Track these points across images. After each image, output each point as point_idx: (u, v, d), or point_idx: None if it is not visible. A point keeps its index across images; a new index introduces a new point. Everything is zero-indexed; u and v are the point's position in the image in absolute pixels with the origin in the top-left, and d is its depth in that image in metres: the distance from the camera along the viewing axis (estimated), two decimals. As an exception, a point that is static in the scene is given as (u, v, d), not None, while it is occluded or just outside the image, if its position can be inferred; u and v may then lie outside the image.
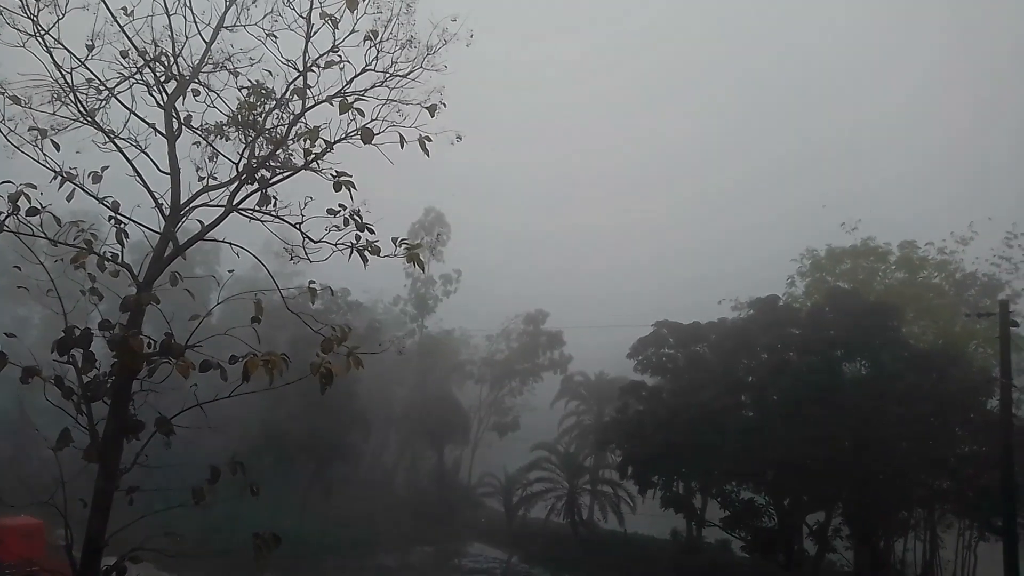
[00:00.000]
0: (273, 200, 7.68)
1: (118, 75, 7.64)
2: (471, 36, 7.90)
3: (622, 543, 43.98)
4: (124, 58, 7.57)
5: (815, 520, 32.82)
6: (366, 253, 7.44)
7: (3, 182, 6.51)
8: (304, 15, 7.56)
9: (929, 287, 39.57)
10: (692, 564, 37.72)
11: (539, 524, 47.64)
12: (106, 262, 7.15)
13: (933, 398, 29.41)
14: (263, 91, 7.88)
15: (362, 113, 7.45)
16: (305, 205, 7.46)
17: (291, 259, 7.98)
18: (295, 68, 7.71)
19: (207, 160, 7.94)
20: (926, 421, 29.65)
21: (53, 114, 7.26)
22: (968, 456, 31.52)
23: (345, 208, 7.38)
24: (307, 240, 7.60)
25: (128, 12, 7.35)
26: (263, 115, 7.83)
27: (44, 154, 7.06)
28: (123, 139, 7.52)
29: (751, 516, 32.47)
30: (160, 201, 7.43)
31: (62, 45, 7.12)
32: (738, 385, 34.98)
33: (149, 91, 7.70)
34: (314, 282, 7.65)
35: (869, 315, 32.43)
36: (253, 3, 7.83)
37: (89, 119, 7.38)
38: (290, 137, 7.71)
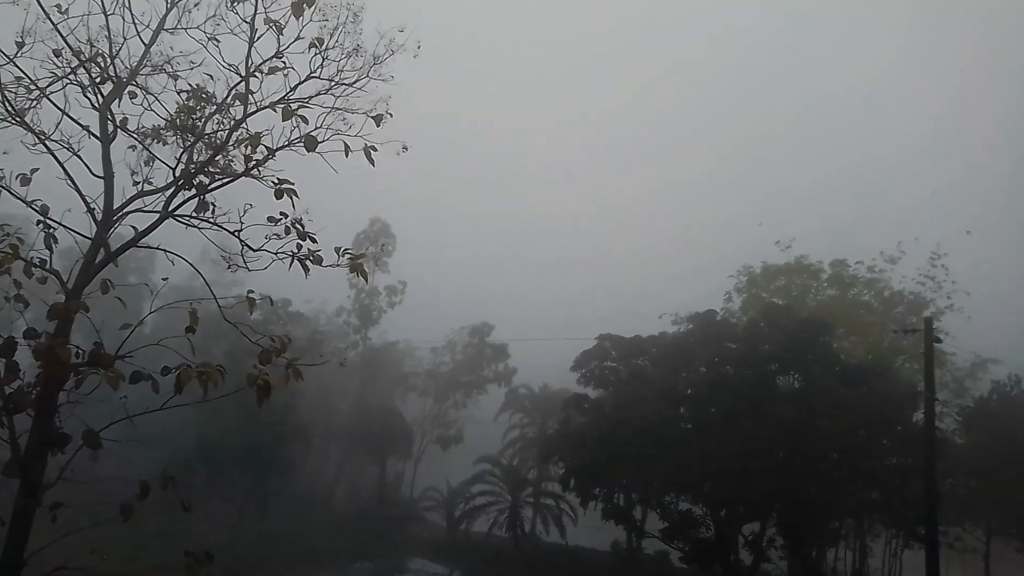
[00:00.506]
0: (211, 207, 7.52)
1: (50, 74, 7.39)
2: (418, 47, 7.93)
3: (564, 556, 44.13)
4: (57, 57, 7.33)
5: (751, 530, 33.54)
6: (308, 262, 7.33)
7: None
8: (248, 20, 7.46)
9: (859, 304, 41.20)
10: (631, 575, 38.07)
11: (481, 538, 47.43)
12: (33, 268, 6.87)
13: (862, 411, 30.46)
14: (203, 95, 7.72)
15: (306, 120, 7.38)
16: (245, 212, 7.33)
17: (229, 268, 7.80)
18: (237, 73, 7.59)
19: (143, 164, 7.73)
20: (855, 434, 30.70)
21: (-23, 113, 6.98)
22: (894, 467, 32.73)
23: (286, 216, 7.27)
24: (246, 248, 7.44)
25: (63, 10, 7.13)
26: (203, 120, 7.67)
27: (-33, 154, 6.78)
28: (54, 141, 7.27)
29: (689, 527, 32.99)
30: (92, 206, 7.19)
31: (-11, 41, 6.87)
32: (678, 398, 35.59)
33: (83, 92, 7.46)
34: (253, 291, 7.49)
35: (802, 331, 33.51)
36: (195, 6, 7.69)
37: (18, 119, 7.10)
38: (230, 143, 7.58)
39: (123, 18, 7.47)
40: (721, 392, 32.89)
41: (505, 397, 59.18)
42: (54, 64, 7.37)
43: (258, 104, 7.58)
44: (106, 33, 7.47)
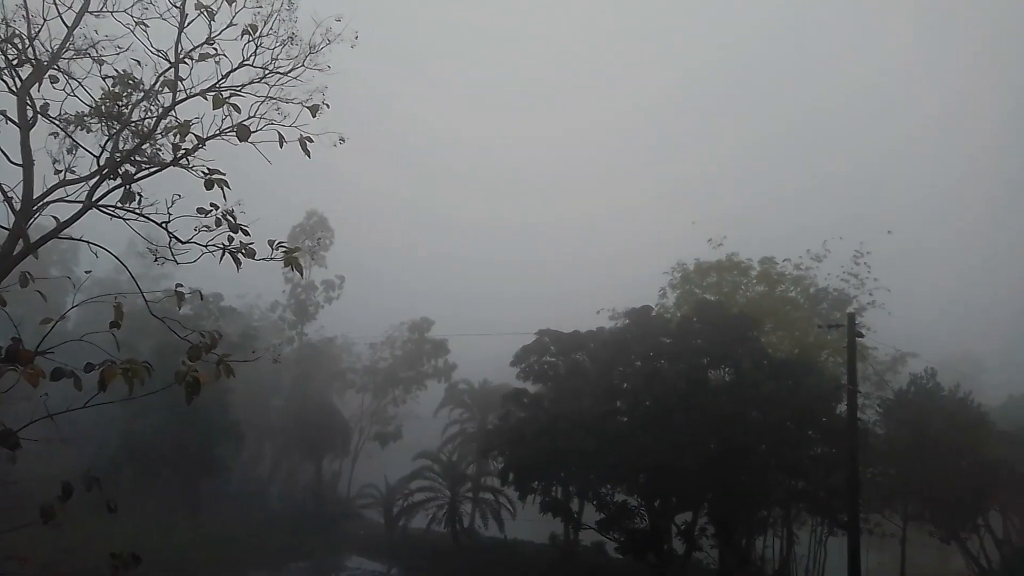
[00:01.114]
0: (138, 197, 7.27)
1: (-39, 55, 7.01)
2: (356, 37, 7.83)
3: (502, 549, 44.35)
4: (-32, 37, 6.96)
5: (683, 520, 34.39)
6: (240, 256, 7.14)
7: None
8: (178, 5, 7.24)
9: (786, 300, 42.62)
10: (568, 567, 38.58)
11: (420, 534, 47.25)
12: (-56, 259, 6.52)
13: (789, 404, 31.58)
14: (130, 81, 7.46)
15: (238, 109, 7.20)
16: (173, 203, 7.10)
17: (156, 260, 7.54)
18: (166, 59, 7.36)
19: (65, 152, 7.42)
20: (783, 426, 31.82)
21: None
22: (820, 458, 34.03)
23: (217, 208, 7.06)
24: (175, 241, 7.21)
25: (-27, -12, 6.78)
26: (129, 107, 7.41)
27: None
28: (-34, 126, 6.90)
29: (624, 518, 33.59)
30: (10, 195, 6.86)
31: None
32: (614, 392, 36.17)
33: (0, 75, 7.10)
34: (182, 285, 7.27)
35: (732, 326, 34.51)
36: (122, -12, 7.41)
37: (-75, 102, 6.73)
38: (158, 131, 7.34)
39: (43, -1, 7.15)
40: (656, 386, 33.59)
41: (445, 393, 59.04)
42: (-34, 45, 7.00)
43: (188, 91, 7.37)
44: (24, 13, 7.13)
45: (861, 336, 27.65)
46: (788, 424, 31.88)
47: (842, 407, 30.16)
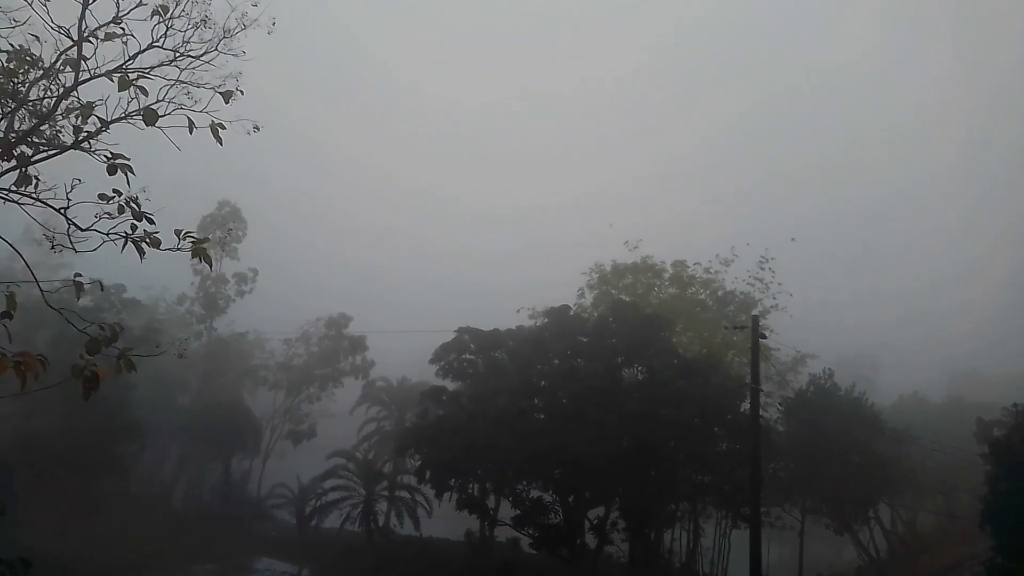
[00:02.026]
0: (34, 181, 6.89)
1: None
2: (273, 23, 7.69)
3: (417, 547, 44.12)
4: None
5: (596, 515, 35.14)
6: (143, 245, 6.84)
7: None
8: (82, -20, 6.91)
9: (696, 302, 44.24)
10: (483, 563, 38.75)
11: (333, 534, 46.43)
12: None
13: (698, 402, 32.76)
14: (28, 58, 7.06)
15: (145, 92, 6.93)
16: (73, 188, 6.77)
17: (53, 248, 7.17)
18: (69, 36, 7.01)
19: (-47, 131, 6.96)
20: (691, 423, 32.95)
21: None
22: (725, 453, 35.46)
23: (120, 194, 6.75)
24: (74, 228, 6.87)
25: None
26: (26, 85, 7.02)
27: None
28: None
29: (539, 513, 34.05)
30: None
31: None
32: (532, 389, 36.60)
33: None
34: (80, 275, 6.93)
35: (646, 326, 35.54)
36: (19, -41, 7.01)
37: None
38: (58, 111, 6.98)
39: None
40: (572, 383, 34.20)
41: (362, 390, 58.27)
42: None
43: (92, 72, 7.04)
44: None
45: (764, 337, 28.95)
46: (696, 421, 33.03)
47: (746, 405, 31.46)
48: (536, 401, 36.83)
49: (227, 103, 7.25)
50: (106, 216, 6.80)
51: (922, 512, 57.02)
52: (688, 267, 44.48)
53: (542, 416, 35.79)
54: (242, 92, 7.38)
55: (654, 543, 37.46)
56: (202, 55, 7.43)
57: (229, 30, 7.49)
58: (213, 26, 7.44)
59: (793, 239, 57.75)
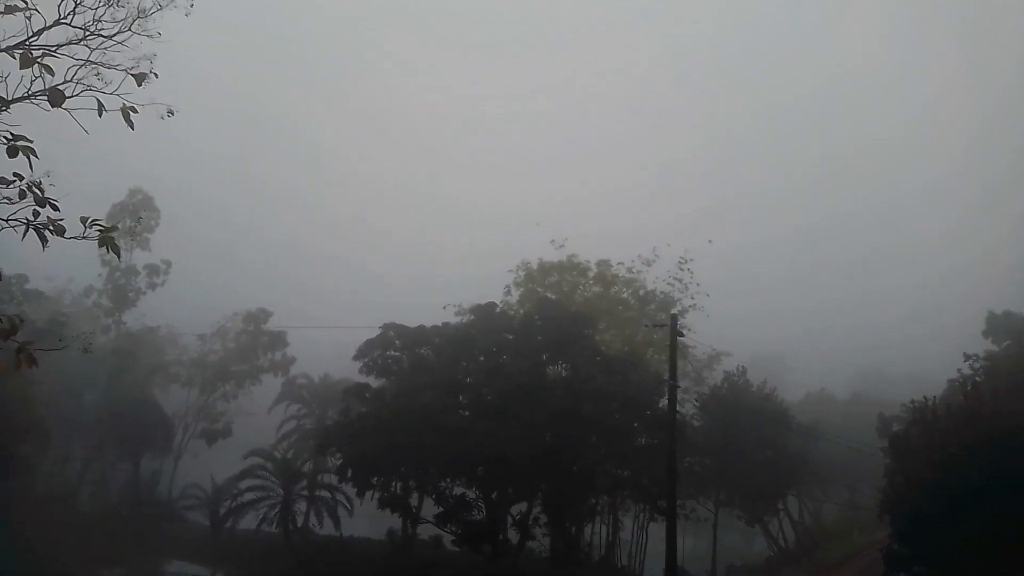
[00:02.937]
0: (-75, 161, 6.46)
1: None
2: (191, 5, 7.45)
3: (338, 547, 43.38)
4: None
5: (519, 511, 35.43)
6: (46, 232, 6.51)
7: None
8: (-20, -50, 6.52)
9: (619, 301, 45.22)
10: (405, 562, 38.48)
11: (249, 535, 45.11)
12: None
13: (619, 398, 33.46)
14: (-83, 29, 6.62)
15: (51, 71, 6.59)
16: (-34, 170, 6.38)
17: (-53, 233, 6.74)
18: (-36, 9, 6.60)
19: None
20: (612, 418, 33.62)
21: None
22: (644, 448, 36.33)
23: (22, 178, 6.41)
24: (-32, 213, 6.48)
25: None
26: (-84, 58, 6.57)
27: None
28: None
29: (462, 510, 34.08)
30: None
31: None
32: (457, 387, 36.56)
33: None
34: (-24, 263, 6.52)
35: (570, 324, 36.07)
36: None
37: None
38: (-48, 88, 6.57)
39: None
40: (497, 380, 34.37)
41: (282, 387, 56.89)
42: None
43: (-9, 47, 6.65)
44: None
45: (682, 336, 29.88)
46: (616, 416, 33.69)
47: (664, 401, 32.32)
48: (461, 398, 36.83)
49: (140, 85, 6.97)
50: (6, 201, 6.45)
51: (827, 503, 60.02)
52: (612, 266, 45.40)
53: (467, 413, 35.81)
54: (156, 75, 7.11)
55: (574, 537, 38.06)
56: (114, 35, 7.14)
57: (144, 10, 7.23)
58: (127, 5, 7.16)
59: (711, 241, 59.37)
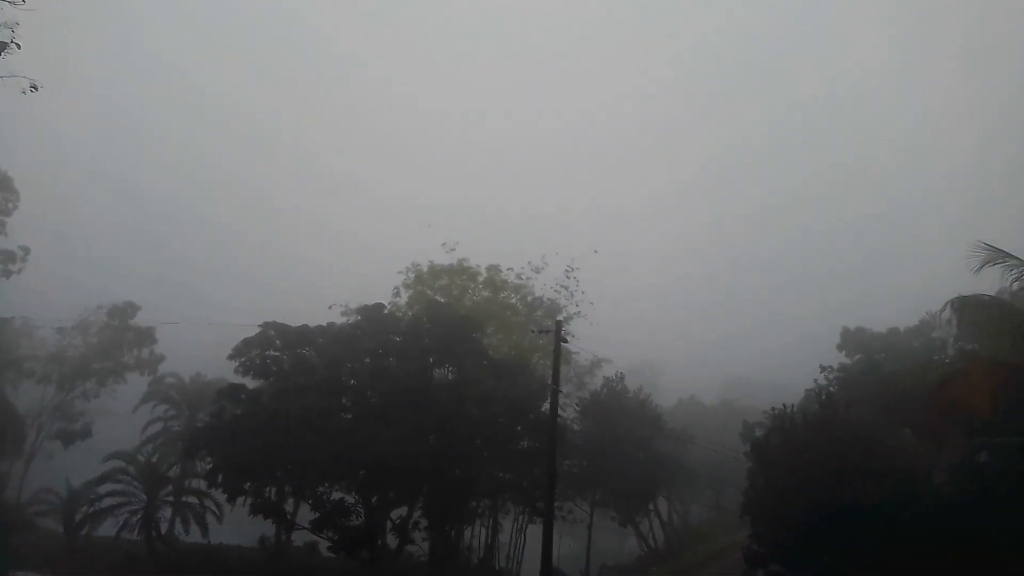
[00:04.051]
0: None
1: None
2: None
3: (204, 555, 41.42)
4: None
5: (399, 515, 35.15)
6: None
7: None
8: None
9: (507, 306, 45.90)
10: (278, 569, 37.28)
11: (108, 543, 42.25)
12: None
13: (504, 402, 33.93)
14: None
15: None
16: None
17: None
18: None
19: None
20: (497, 421, 34.03)
21: None
22: (526, 451, 37.00)
23: None
24: None
25: None
26: None
27: None
28: None
29: (340, 516, 33.36)
30: None
31: None
32: (340, 388, 35.86)
33: None
34: None
35: (458, 327, 36.24)
36: None
37: None
38: None
39: None
40: (382, 382, 34.01)
41: (148, 387, 53.65)
42: None
43: None
44: None
45: (566, 342, 30.70)
46: (501, 420, 34.13)
47: (547, 405, 33.07)
48: (344, 400, 36.14)
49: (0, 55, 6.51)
50: None
51: (694, 505, 63.21)
52: (501, 272, 46.01)
53: (349, 416, 35.19)
54: (18, 45, 6.66)
55: (454, 540, 38.16)
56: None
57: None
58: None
59: (596, 251, 61.25)
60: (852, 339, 44.84)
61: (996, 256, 19.71)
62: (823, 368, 42.40)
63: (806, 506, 23.94)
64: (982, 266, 19.76)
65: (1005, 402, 19.20)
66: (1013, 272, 19.73)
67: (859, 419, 26.79)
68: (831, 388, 37.69)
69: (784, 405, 29.42)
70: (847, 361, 43.57)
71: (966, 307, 20.78)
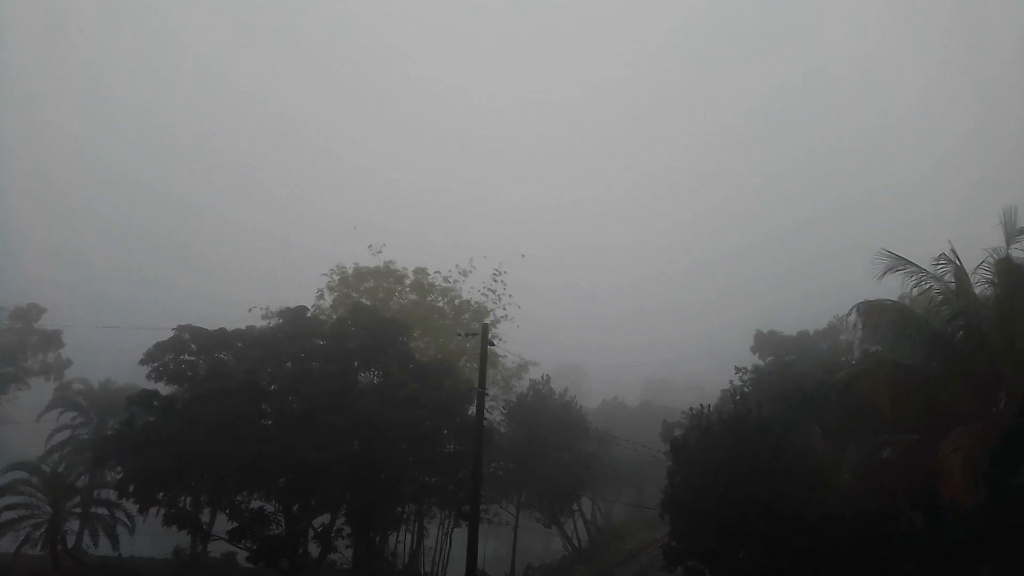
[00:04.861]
0: None
1: None
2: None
3: (114, 568, 39.70)
4: None
5: (321, 523, 34.47)
6: None
7: None
8: None
9: (435, 309, 45.77)
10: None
11: (7, 559, 39.91)
12: None
13: (430, 405, 33.76)
14: None
15: None
16: None
17: None
18: None
19: None
20: (422, 425, 33.83)
21: None
22: (452, 455, 36.94)
23: None
24: None
25: None
26: None
27: None
28: None
29: (259, 525, 32.42)
30: None
31: None
32: (260, 394, 34.86)
33: None
34: None
35: (384, 330, 35.87)
36: None
37: None
38: None
39: None
40: (304, 387, 33.27)
41: (54, 393, 51.03)
42: None
43: None
44: None
45: (493, 345, 30.85)
46: (427, 423, 33.94)
47: (474, 408, 33.13)
48: (264, 406, 35.14)
49: None
50: None
51: (617, 504, 64.54)
52: (429, 275, 45.85)
53: (269, 422, 34.29)
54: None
55: (378, 547, 37.72)
56: None
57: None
58: None
59: (524, 255, 61.77)
60: (765, 341, 46.77)
61: (898, 263, 20.99)
62: (738, 369, 44.03)
63: (720, 503, 24.80)
64: (885, 272, 21.00)
65: (905, 401, 20.38)
66: (913, 279, 21.07)
67: (771, 418, 27.91)
68: (745, 388, 39.12)
69: (701, 405, 30.36)
70: (760, 363, 45.37)
71: (870, 311, 21.99)
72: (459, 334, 38.26)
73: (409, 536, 40.90)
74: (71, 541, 42.66)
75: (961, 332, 20.55)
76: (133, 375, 41.77)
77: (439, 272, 45.90)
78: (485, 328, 30.27)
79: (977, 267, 20.78)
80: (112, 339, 47.88)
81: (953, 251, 20.90)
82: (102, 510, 42.76)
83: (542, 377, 48.67)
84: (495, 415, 43.10)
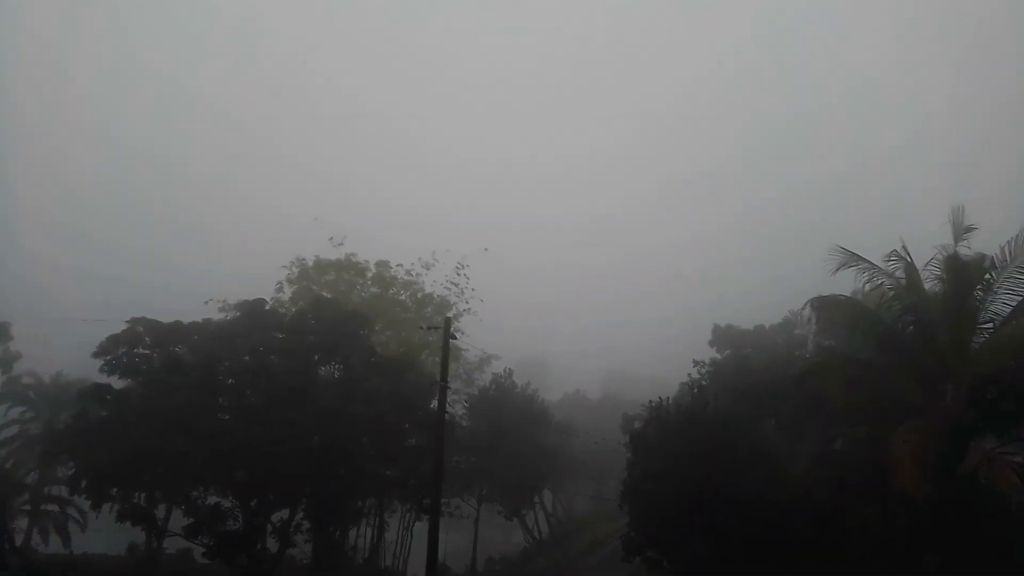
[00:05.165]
0: None
1: None
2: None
3: (66, 566, 38.73)
4: None
5: (280, 518, 34.07)
6: None
7: None
8: None
9: (397, 302, 45.49)
10: (147, 578, 35.37)
11: (-51, 560, 38.63)
12: None
13: (391, 398, 33.58)
14: None
15: None
16: None
17: None
18: None
19: None
20: (384, 419, 33.64)
21: None
22: (413, 448, 36.83)
23: None
24: None
25: None
26: None
27: None
28: None
29: (216, 521, 31.90)
30: None
31: None
32: (217, 387, 34.28)
33: None
34: None
35: (345, 323, 35.51)
36: None
37: None
38: None
39: None
40: (263, 381, 32.80)
41: (2, 387, 49.43)
42: None
43: None
44: None
45: (455, 338, 30.79)
46: (388, 417, 33.76)
47: (436, 402, 33.04)
48: (221, 400, 34.57)
49: None
50: None
51: (578, 496, 65.06)
52: (391, 268, 45.51)
53: (227, 416, 33.72)
54: None
55: (339, 541, 37.44)
56: None
57: None
58: None
59: (487, 249, 61.57)
60: (722, 335, 47.50)
61: (851, 259, 21.45)
62: (696, 363, 44.68)
63: (677, 493, 25.18)
64: (838, 268, 21.46)
65: (857, 394, 20.90)
66: (865, 274, 21.58)
67: (728, 410, 28.40)
68: (703, 381, 39.76)
69: (660, 398, 30.73)
70: (718, 356, 46.11)
71: (824, 306, 22.49)
72: (422, 327, 38.02)
73: (370, 530, 40.72)
74: (19, 539, 41.50)
75: (911, 327, 21.11)
76: (85, 369, 40.60)
77: (401, 265, 45.67)
78: (447, 322, 30.20)
79: (927, 264, 21.33)
80: (64, 332, 46.61)
81: (904, 248, 21.40)
82: (53, 507, 41.74)
83: (504, 370, 48.79)
84: (457, 409, 43.09)
